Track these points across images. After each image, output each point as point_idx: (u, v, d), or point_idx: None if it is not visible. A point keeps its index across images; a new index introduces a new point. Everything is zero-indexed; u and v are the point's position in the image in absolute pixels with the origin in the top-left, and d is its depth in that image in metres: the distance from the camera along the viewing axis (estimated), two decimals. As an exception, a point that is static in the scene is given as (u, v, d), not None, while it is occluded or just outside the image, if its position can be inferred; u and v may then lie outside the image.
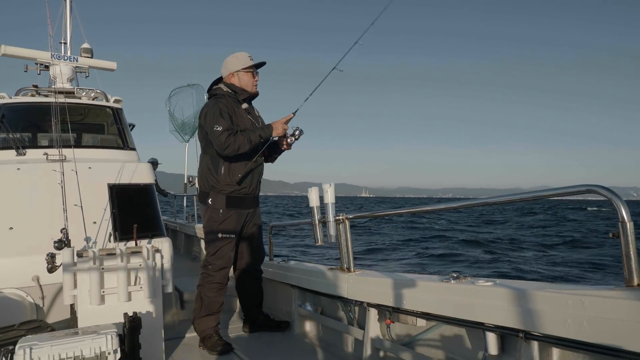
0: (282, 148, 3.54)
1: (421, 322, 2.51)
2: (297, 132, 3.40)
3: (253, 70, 3.50)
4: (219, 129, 3.18)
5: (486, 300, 1.99)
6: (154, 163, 9.37)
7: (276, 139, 3.49)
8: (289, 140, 3.43)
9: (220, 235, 3.37)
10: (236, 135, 3.19)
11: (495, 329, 1.98)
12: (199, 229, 6.29)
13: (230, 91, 3.45)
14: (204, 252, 3.47)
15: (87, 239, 3.70)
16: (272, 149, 3.57)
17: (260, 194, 3.64)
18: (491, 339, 2.03)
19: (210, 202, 3.39)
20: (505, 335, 1.99)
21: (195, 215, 7.35)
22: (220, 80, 3.56)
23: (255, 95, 3.57)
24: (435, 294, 2.30)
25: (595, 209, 63.90)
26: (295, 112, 3.32)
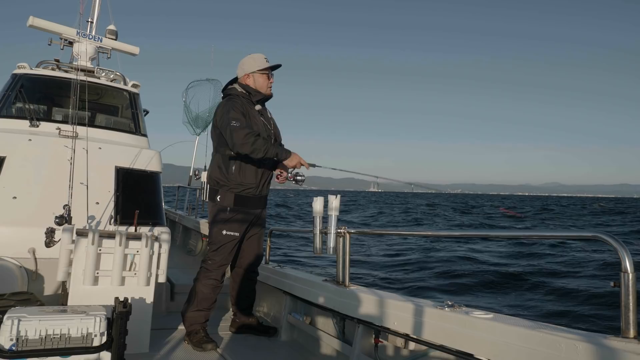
0: (276, 178, 3.63)
1: (410, 346, 2.49)
2: (298, 177, 3.53)
3: (268, 72, 3.53)
4: (237, 124, 3.20)
5: (478, 332, 1.97)
6: None
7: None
8: (289, 175, 3.54)
9: (224, 232, 3.37)
10: (257, 137, 3.20)
11: None
12: (199, 223, 6.29)
13: (244, 92, 3.48)
14: (200, 246, 3.47)
15: (88, 219, 3.71)
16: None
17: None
18: None
19: (218, 200, 3.40)
20: None
21: (197, 209, 7.36)
22: (235, 80, 3.59)
23: (269, 97, 3.60)
24: (427, 319, 2.28)
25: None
26: (314, 166, 3.44)
